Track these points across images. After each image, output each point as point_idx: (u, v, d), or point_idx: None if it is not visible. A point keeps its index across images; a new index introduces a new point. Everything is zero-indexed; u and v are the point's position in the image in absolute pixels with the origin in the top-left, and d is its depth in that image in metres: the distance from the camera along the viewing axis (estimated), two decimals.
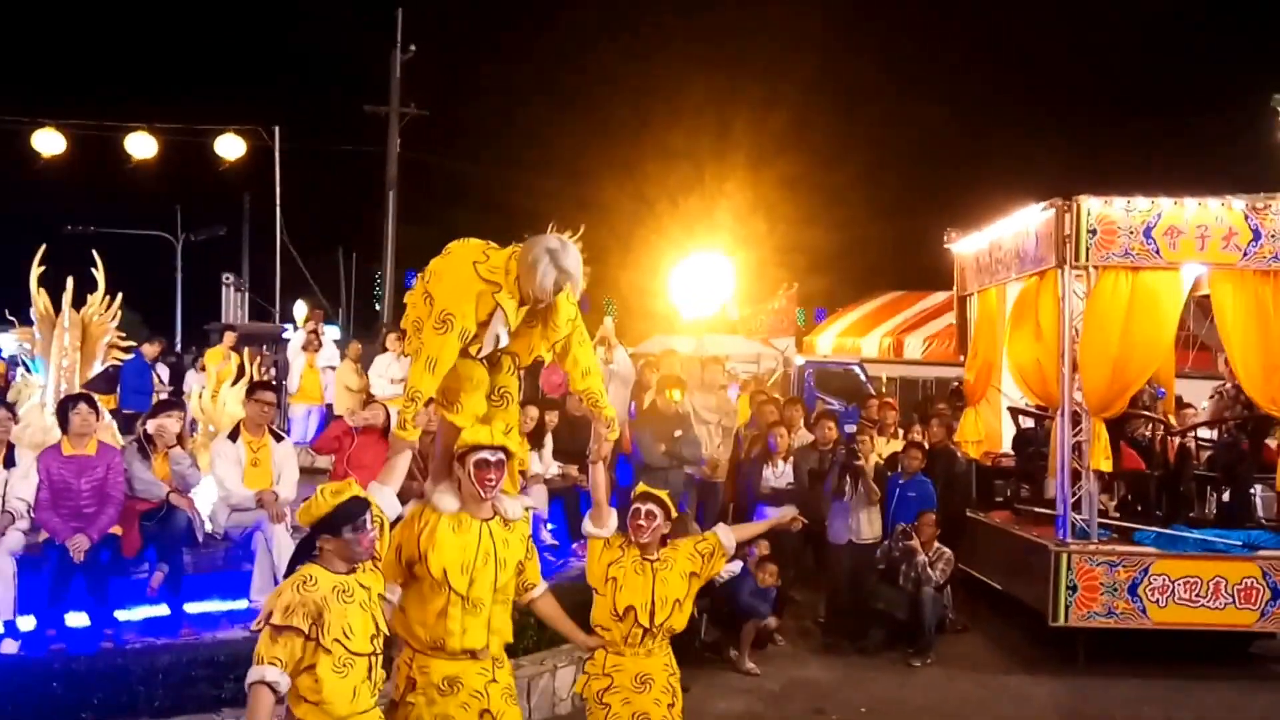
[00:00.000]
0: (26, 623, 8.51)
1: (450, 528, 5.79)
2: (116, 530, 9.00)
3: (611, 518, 6.60)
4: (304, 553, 5.31)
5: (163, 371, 18.95)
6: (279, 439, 10.21)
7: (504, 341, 6.01)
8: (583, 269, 5.92)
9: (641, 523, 6.42)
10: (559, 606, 6.43)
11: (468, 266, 5.89)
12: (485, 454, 5.83)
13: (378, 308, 39.58)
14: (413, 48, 29.71)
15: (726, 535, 6.64)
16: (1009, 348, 12.82)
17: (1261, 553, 10.65)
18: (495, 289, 5.83)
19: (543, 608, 6.34)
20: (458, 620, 5.72)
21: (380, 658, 5.29)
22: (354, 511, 5.23)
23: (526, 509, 6.16)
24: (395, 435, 5.89)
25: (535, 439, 12.08)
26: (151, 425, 9.62)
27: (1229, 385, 13.15)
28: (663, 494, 6.59)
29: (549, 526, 11.79)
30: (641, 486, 6.63)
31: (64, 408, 9.27)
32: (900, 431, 14.34)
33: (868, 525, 11.37)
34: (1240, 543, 10.72)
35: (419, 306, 5.94)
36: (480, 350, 5.98)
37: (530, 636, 9.02)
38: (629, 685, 6.50)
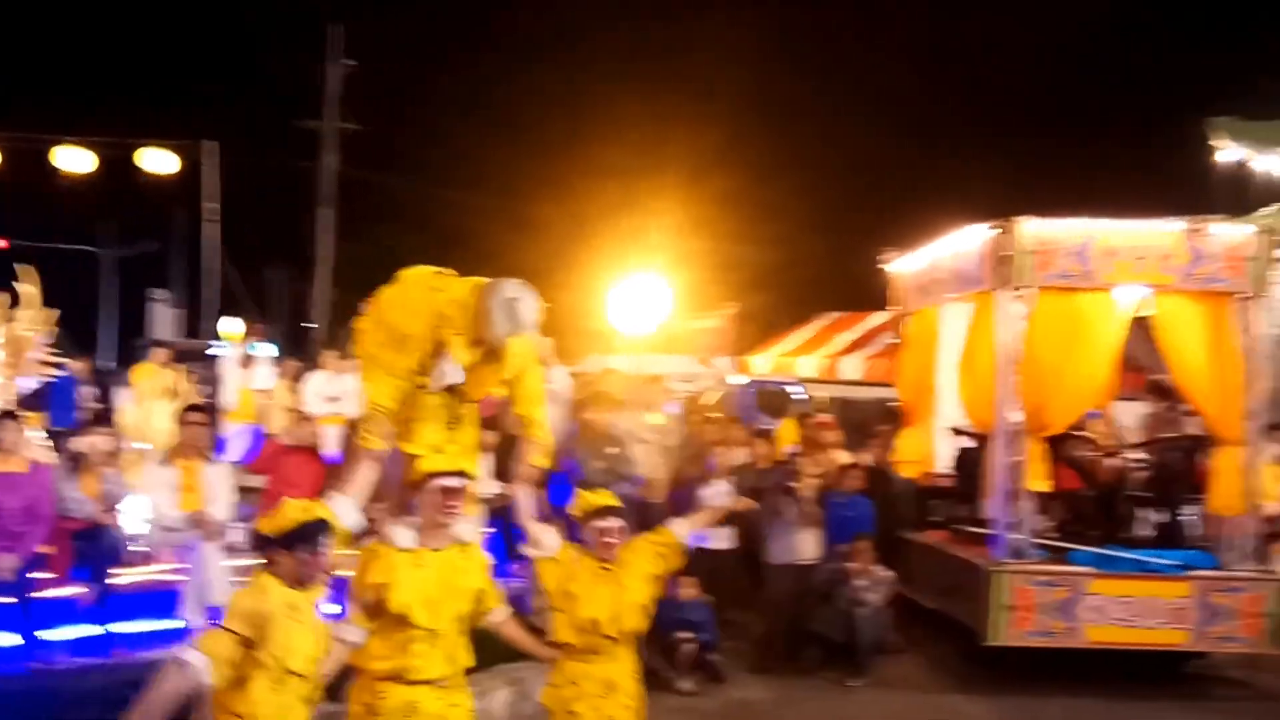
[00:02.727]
0: None
1: (410, 563, 5.69)
2: (47, 549, 8.85)
3: (549, 535, 6.58)
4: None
5: (88, 390, 18.66)
6: (211, 461, 10.08)
7: (458, 379, 6.01)
8: (538, 317, 6.07)
9: (612, 540, 6.38)
10: (519, 626, 6.44)
11: (424, 293, 5.92)
12: (447, 480, 5.75)
13: (311, 325, 39.32)
14: (350, 63, 29.60)
15: (682, 529, 6.65)
16: (961, 368, 12.80)
17: (1195, 573, 10.76)
18: (450, 324, 5.86)
19: (505, 631, 6.30)
20: (420, 654, 5.65)
21: (321, 683, 5.26)
22: (312, 532, 5.18)
23: (479, 530, 6.14)
24: (359, 446, 5.87)
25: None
26: (83, 443, 9.49)
27: (1162, 406, 13.26)
28: (614, 500, 6.57)
29: (482, 534, 11.69)
30: (597, 498, 6.54)
31: None
32: (839, 452, 14.33)
33: (806, 546, 11.37)
34: (1175, 563, 10.81)
35: (373, 332, 5.92)
36: (430, 386, 5.98)
37: None
38: (595, 692, 6.51)
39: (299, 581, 5.17)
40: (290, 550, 5.15)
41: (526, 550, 6.59)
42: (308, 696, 5.17)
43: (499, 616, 6.15)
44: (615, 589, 6.41)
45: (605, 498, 6.74)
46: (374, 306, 6.04)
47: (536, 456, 6.48)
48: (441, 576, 5.72)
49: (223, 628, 4.98)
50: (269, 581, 5.12)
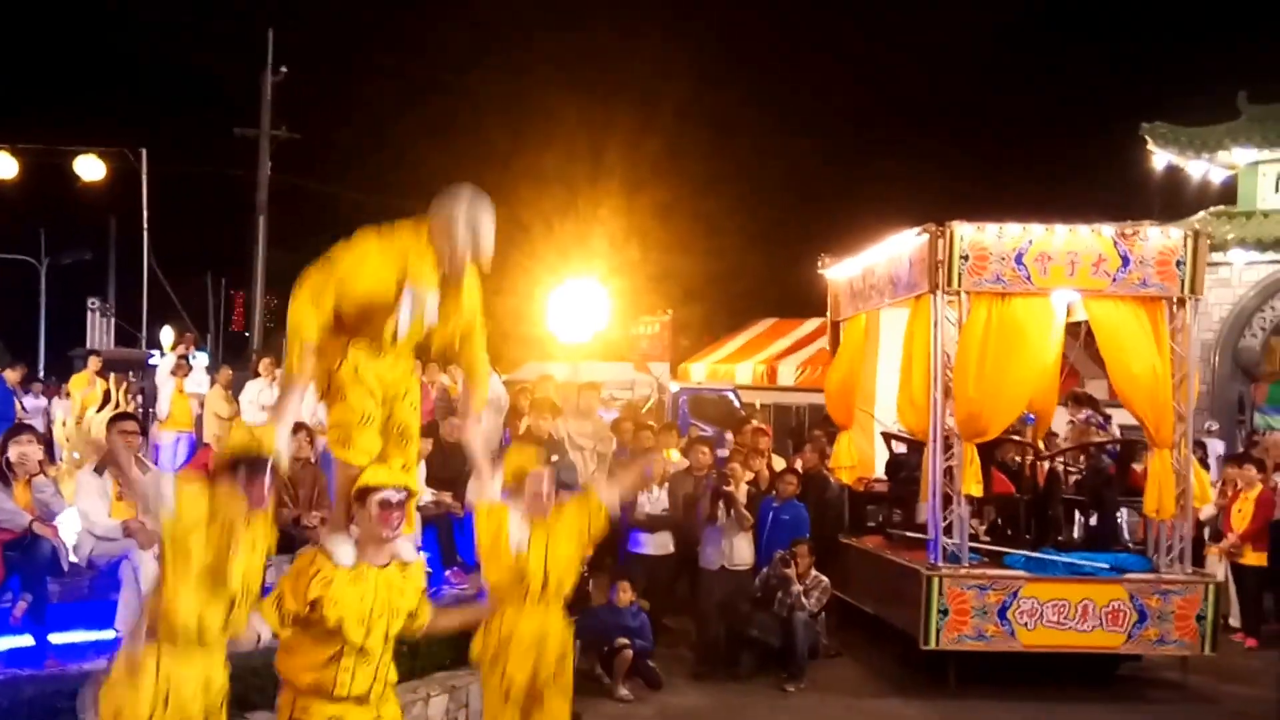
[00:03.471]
0: None
1: (348, 578, 5.59)
2: None
3: (493, 483, 6.68)
4: None
5: (32, 401, 18.47)
6: (145, 469, 9.98)
7: (430, 317, 5.94)
8: (493, 226, 5.98)
9: (542, 496, 6.55)
10: (443, 612, 6.47)
11: (373, 242, 5.86)
12: (388, 494, 5.66)
13: (247, 334, 39.00)
14: (284, 70, 29.42)
15: (606, 491, 6.83)
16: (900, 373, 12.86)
17: (1128, 576, 10.89)
18: (404, 263, 5.82)
19: (440, 624, 6.31)
20: (349, 670, 5.58)
21: (244, 606, 5.39)
22: (248, 462, 5.29)
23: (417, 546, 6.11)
24: (285, 374, 5.81)
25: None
26: (13, 453, 9.34)
27: (1083, 413, 13.43)
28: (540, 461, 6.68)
29: (423, 555, 11.65)
30: (525, 459, 6.61)
31: None
32: (772, 457, 14.39)
33: (740, 551, 11.42)
34: (1107, 565, 10.93)
35: (316, 274, 5.81)
36: (397, 333, 5.87)
37: (403, 665, 8.90)
38: (525, 645, 6.69)
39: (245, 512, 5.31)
40: (231, 478, 5.28)
41: (468, 496, 6.71)
42: (227, 619, 5.29)
43: (425, 621, 6.08)
44: (545, 540, 6.60)
45: (532, 457, 6.89)
46: (329, 273, 5.81)
47: (479, 401, 6.61)
48: (380, 595, 5.63)
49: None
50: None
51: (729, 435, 16.75)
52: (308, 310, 5.71)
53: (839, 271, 14.49)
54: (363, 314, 5.87)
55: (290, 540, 10.28)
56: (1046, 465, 12.67)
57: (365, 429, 5.96)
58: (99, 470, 9.75)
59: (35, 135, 25.21)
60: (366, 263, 5.83)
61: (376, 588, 5.62)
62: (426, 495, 12.17)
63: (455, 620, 6.70)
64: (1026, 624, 10.67)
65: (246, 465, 5.26)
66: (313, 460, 10.92)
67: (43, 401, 17.49)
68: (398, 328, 5.89)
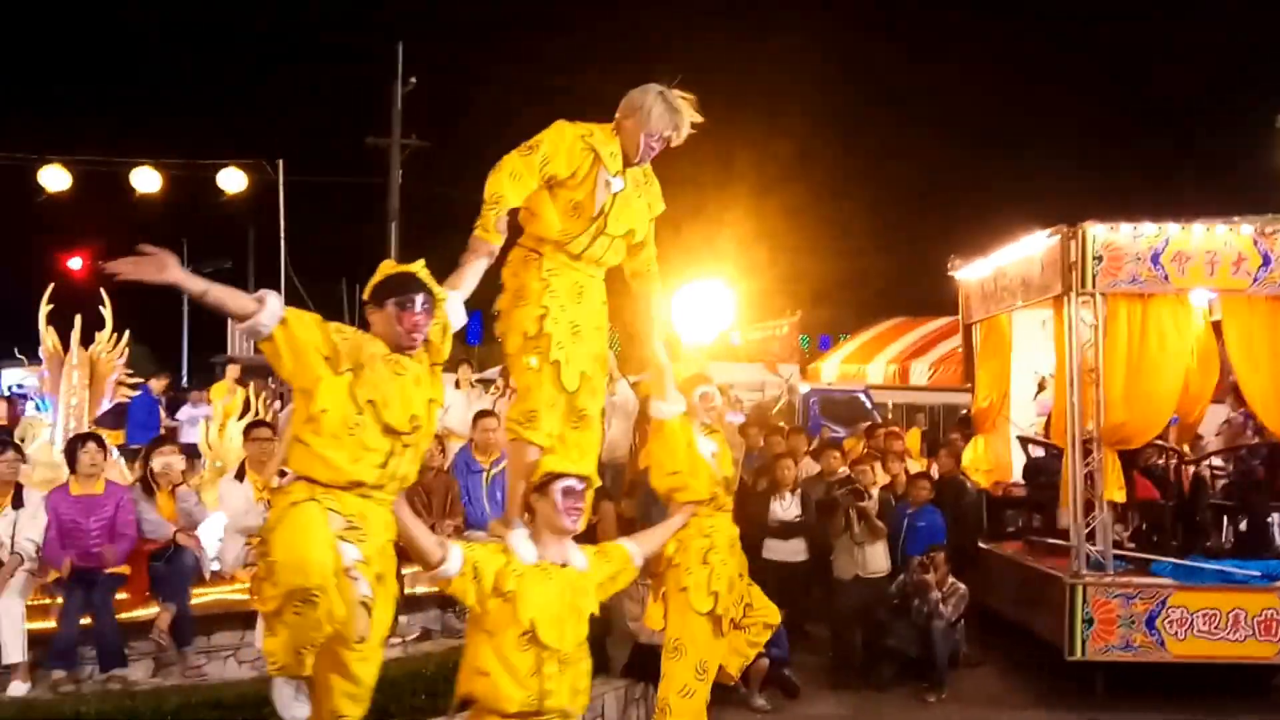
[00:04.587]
0: (35, 664, 8.44)
1: (537, 576, 5.36)
2: (125, 570, 8.93)
3: (677, 397, 7.04)
4: None
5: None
6: (283, 474, 10.14)
7: (616, 187, 5.91)
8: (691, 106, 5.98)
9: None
10: (647, 537, 6.54)
11: (570, 127, 5.86)
12: (571, 481, 5.47)
13: None
14: (413, 80, 29.82)
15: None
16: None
17: None
18: (597, 147, 5.84)
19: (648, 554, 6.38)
20: (554, 679, 5.28)
21: (408, 452, 5.04)
22: (405, 286, 5.02)
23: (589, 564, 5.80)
24: (475, 237, 5.54)
25: None
26: (157, 463, 9.56)
27: (1239, 414, 13.06)
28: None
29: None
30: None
31: (72, 446, 9.23)
32: (909, 461, 14.21)
33: (875, 559, 11.28)
34: (1259, 573, 10.59)
35: (516, 155, 5.76)
36: (593, 208, 5.85)
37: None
38: (724, 550, 7.17)
39: (392, 343, 5.02)
40: (380, 305, 5.03)
41: (655, 409, 7.15)
42: (388, 464, 4.96)
43: (634, 574, 6.10)
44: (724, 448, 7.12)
45: (701, 374, 7.01)
46: (532, 151, 5.75)
47: (658, 311, 6.74)
48: (565, 596, 5.40)
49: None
50: (368, 336, 5.02)
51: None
52: (508, 182, 5.62)
53: (969, 273, 14.24)
54: (560, 204, 5.86)
55: None
56: (1191, 469, 12.34)
57: (550, 412, 5.86)
58: (239, 477, 9.97)
59: (178, 150, 25.85)
60: (564, 141, 5.82)
61: (562, 588, 5.41)
62: None
63: (660, 540, 6.73)
64: (1176, 634, 10.37)
65: (394, 296, 5.00)
66: (444, 469, 11.02)
67: (203, 410, 17.79)
68: (590, 219, 5.87)
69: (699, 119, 6.02)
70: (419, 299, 5.02)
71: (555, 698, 5.27)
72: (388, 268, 5.16)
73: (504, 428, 6.15)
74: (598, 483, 5.85)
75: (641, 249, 6.35)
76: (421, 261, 5.27)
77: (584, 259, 5.98)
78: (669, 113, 5.91)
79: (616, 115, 6.02)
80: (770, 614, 7.81)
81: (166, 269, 4.70)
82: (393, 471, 4.97)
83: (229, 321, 33.33)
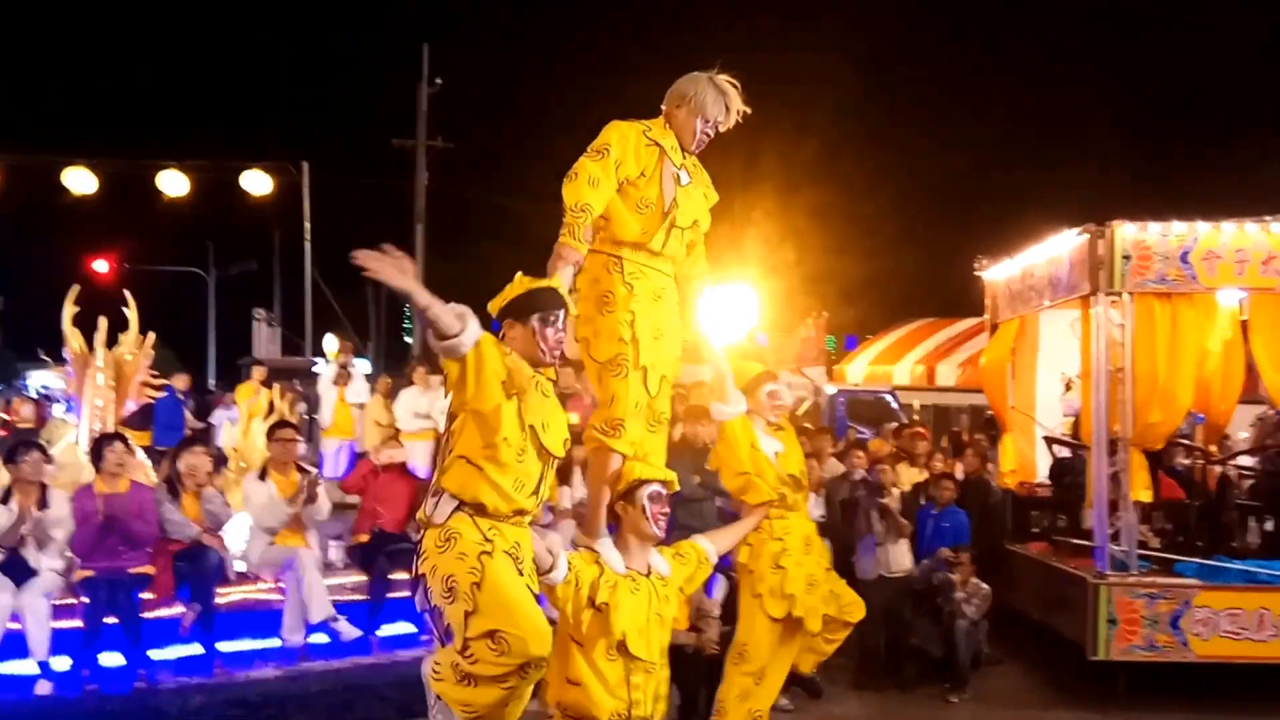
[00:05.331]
0: (61, 663, 8.51)
1: (627, 586, 5.44)
2: (149, 570, 8.99)
3: (738, 397, 6.89)
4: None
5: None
6: (306, 474, 10.20)
7: (684, 180, 5.96)
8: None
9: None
10: (721, 535, 6.61)
11: (630, 126, 5.87)
12: (656, 487, 5.56)
13: (407, 341, 39.66)
14: (439, 81, 29.91)
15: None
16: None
17: None
18: (659, 141, 5.87)
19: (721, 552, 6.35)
20: (640, 688, 5.39)
21: (551, 475, 5.10)
22: (549, 302, 4.98)
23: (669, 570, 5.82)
24: (566, 246, 5.47)
25: (563, 474, 12.05)
26: (183, 464, 9.62)
27: (1271, 412, 12.97)
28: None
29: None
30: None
31: (99, 445, 9.33)
32: (930, 461, 14.15)
33: (898, 559, 11.23)
34: None
35: (588, 162, 5.73)
36: (665, 202, 5.86)
37: None
38: (797, 552, 7.07)
39: (531, 359, 4.98)
40: (524, 320, 4.99)
41: (716, 411, 6.98)
42: (539, 488, 4.98)
43: (707, 575, 6.12)
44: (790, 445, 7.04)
45: (761, 370, 7.12)
46: (604, 156, 5.72)
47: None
48: (652, 605, 5.48)
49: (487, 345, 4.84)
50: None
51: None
52: (589, 190, 5.61)
53: (997, 273, 14.18)
54: (631, 203, 5.86)
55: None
56: (1218, 469, 12.27)
57: (637, 419, 5.79)
58: (262, 476, 10.04)
59: (204, 152, 25.94)
60: (630, 141, 5.84)
61: (649, 597, 5.48)
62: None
63: (733, 539, 6.74)
64: (1200, 634, 10.30)
65: (539, 311, 4.98)
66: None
67: (235, 411, 17.84)
68: (664, 213, 5.87)
69: (747, 104, 6.08)
70: (562, 315, 5.06)
71: (641, 706, 5.38)
72: (527, 282, 5.13)
73: (586, 436, 6.02)
74: (676, 486, 5.88)
75: (693, 247, 6.33)
76: (558, 276, 5.27)
77: (664, 255, 5.97)
78: (720, 97, 5.96)
79: (664, 107, 6.05)
80: (853, 610, 7.73)
81: (406, 275, 4.69)
82: (543, 496, 5.04)
83: (253, 324, 33.66)
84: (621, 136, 5.82)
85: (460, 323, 4.77)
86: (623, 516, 5.59)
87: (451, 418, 5.01)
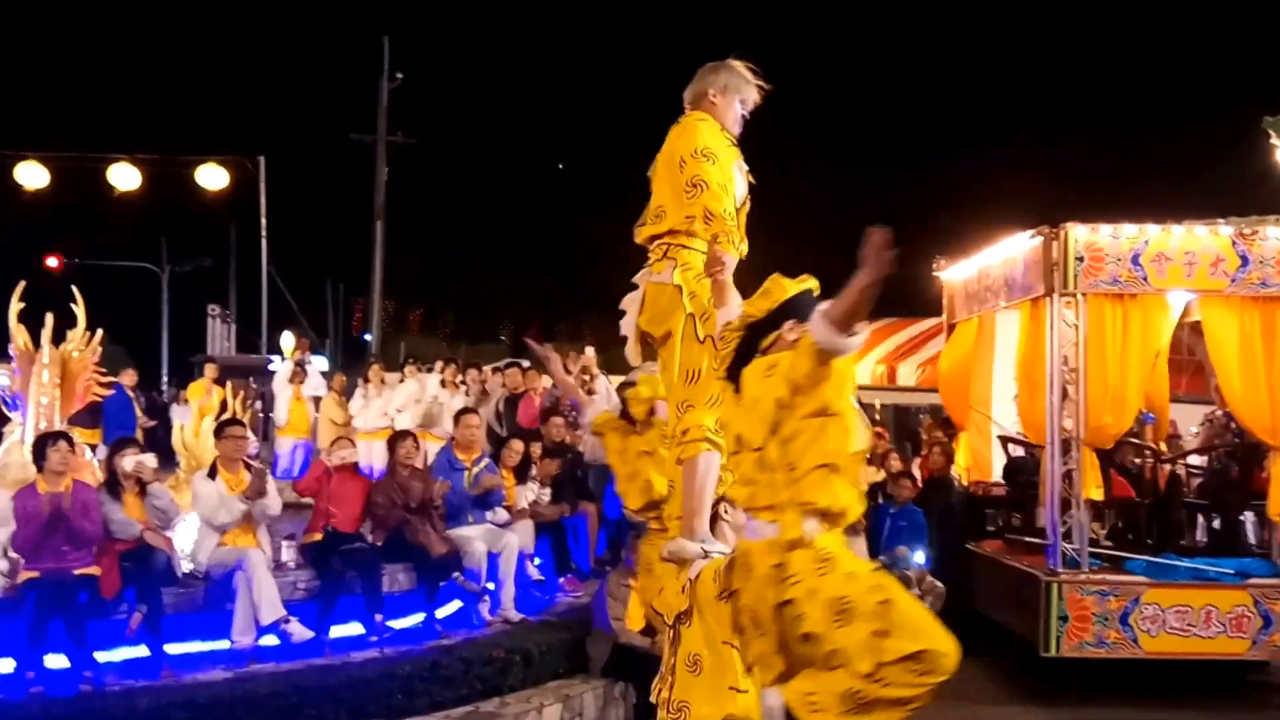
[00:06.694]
0: (4, 665, 8.39)
1: None
2: (95, 570, 8.87)
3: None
4: None
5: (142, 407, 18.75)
6: (252, 469, 10.09)
7: (745, 167, 6.03)
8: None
9: None
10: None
11: (702, 120, 5.92)
12: None
13: (366, 338, 39.42)
14: (400, 76, 29.71)
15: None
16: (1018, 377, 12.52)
17: (1252, 581, 10.59)
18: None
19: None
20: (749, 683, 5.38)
21: None
22: (811, 308, 4.63)
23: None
24: (730, 256, 5.61)
25: (520, 473, 12.04)
26: (128, 463, 9.47)
27: (1219, 412, 13.07)
28: None
29: (535, 561, 11.70)
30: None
31: (41, 445, 9.14)
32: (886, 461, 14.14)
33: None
34: (1231, 571, 10.65)
35: (707, 166, 5.77)
36: (738, 199, 5.91)
37: (515, 674, 8.93)
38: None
39: None
40: (778, 325, 4.76)
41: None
42: None
43: None
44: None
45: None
46: (716, 159, 5.78)
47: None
48: None
49: None
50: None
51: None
52: (725, 196, 5.70)
53: (955, 273, 14.24)
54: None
55: (402, 545, 10.37)
56: (1167, 468, 12.36)
57: (708, 408, 5.74)
58: (211, 474, 9.93)
59: (156, 145, 25.71)
60: (717, 138, 5.91)
61: None
62: (537, 494, 12.18)
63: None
64: (1149, 630, 10.42)
65: (799, 314, 4.71)
66: (422, 467, 11.03)
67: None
68: (738, 209, 5.91)
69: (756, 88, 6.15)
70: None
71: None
72: (790, 286, 4.91)
73: (686, 438, 5.83)
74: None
75: None
76: (815, 281, 5.06)
77: (744, 245, 5.98)
78: (750, 77, 6.07)
79: (700, 99, 6.07)
80: None
81: (886, 270, 4.45)
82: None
83: (208, 321, 33.32)
84: (711, 133, 5.89)
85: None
86: (728, 516, 5.60)
87: (776, 425, 4.62)
